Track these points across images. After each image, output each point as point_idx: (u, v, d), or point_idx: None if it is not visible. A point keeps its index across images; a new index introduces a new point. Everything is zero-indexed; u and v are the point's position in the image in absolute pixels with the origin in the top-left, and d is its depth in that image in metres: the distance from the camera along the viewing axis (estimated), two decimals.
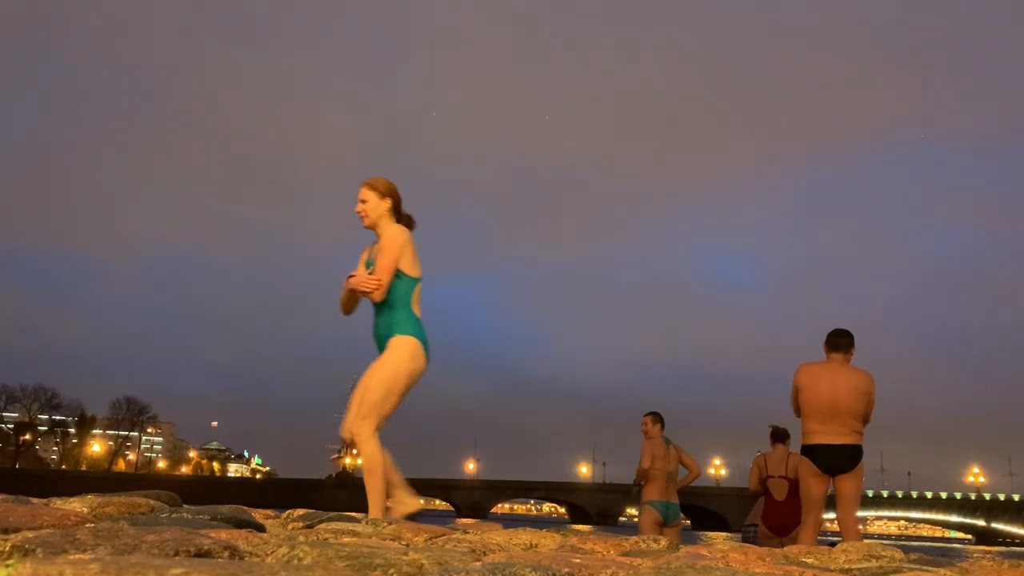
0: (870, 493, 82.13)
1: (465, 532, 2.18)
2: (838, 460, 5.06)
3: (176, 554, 1.15)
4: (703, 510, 71.74)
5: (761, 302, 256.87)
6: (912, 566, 2.02)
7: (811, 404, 5.08)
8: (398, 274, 3.61)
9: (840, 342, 5.22)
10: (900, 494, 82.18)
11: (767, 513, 6.86)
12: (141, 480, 68.27)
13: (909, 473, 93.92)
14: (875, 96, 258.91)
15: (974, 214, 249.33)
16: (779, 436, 6.97)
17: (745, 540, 7.14)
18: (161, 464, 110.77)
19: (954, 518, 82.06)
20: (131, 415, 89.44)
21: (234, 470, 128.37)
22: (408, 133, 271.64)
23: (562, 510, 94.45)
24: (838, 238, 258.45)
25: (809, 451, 5.13)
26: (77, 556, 1.04)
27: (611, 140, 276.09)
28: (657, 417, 7.26)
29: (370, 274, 3.62)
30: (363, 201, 3.76)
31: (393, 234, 3.67)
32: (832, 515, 5.58)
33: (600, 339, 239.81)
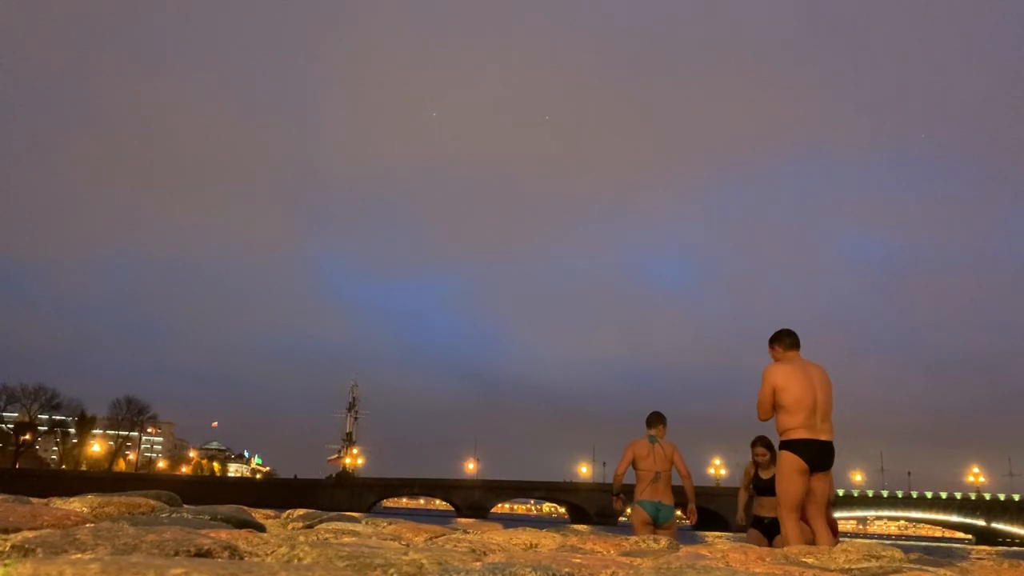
0: (870, 493, 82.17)
1: (465, 532, 2.18)
2: (823, 457, 5.03)
3: (176, 554, 1.15)
4: (703, 510, 71.71)
5: (698, 303, 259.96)
6: (912, 566, 2.02)
7: (797, 402, 5.04)
8: None
9: (797, 340, 5.30)
10: (900, 494, 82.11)
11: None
12: (141, 480, 68.26)
13: (909, 473, 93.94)
14: (774, 104, 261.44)
15: (884, 217, 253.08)
16: None
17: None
18: (161, 464, 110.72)
19: (954, 518, 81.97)
20: (131, 415, 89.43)
21: (234, 470, 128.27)
22: (363, 137, 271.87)
23: (562, 510, 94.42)
24: (767, 241, 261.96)
25: (795, 446, 5.04)
26: (77, 556, 1.04)
27: (562, 143, 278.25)
28: (649, 417, 7.11)
29: None
30: None
31: None
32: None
33: (561, 339, 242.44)
